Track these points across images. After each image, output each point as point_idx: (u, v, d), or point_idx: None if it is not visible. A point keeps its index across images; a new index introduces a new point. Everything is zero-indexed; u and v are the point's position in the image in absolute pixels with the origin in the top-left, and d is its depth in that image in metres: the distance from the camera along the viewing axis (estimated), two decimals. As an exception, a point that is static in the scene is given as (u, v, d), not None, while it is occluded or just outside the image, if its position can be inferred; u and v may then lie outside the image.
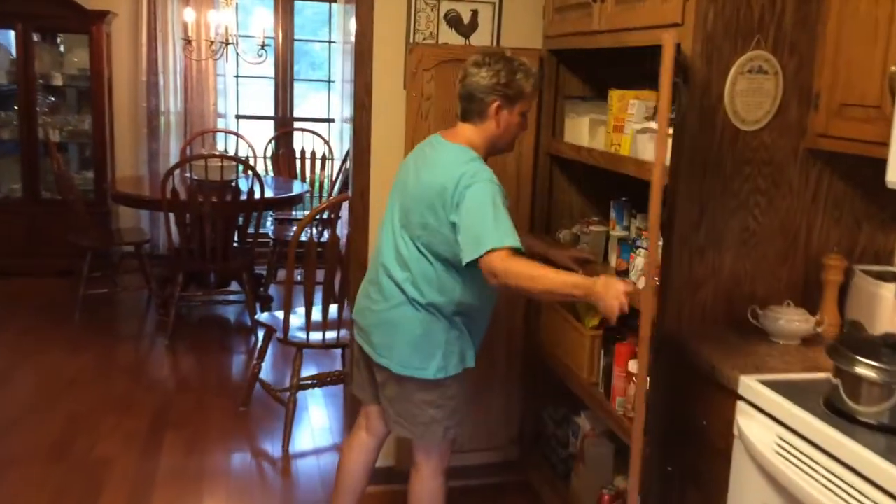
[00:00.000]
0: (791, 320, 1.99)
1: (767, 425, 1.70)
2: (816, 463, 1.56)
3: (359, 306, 2.39)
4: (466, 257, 2.04)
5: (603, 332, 2.57)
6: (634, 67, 2.73)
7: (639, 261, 2.37)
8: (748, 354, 1.94)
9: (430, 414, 2.25)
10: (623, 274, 2.43)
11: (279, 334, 3.43)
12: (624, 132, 2.41)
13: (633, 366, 2.35)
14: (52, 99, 5.88)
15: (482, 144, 2.21)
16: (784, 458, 1.64)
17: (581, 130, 2.73)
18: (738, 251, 2.08)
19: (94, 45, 5.51)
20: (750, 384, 1.77)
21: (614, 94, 2.45)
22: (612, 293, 1.85)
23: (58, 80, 5.75)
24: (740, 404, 1.79)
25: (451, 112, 2.71)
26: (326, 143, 6.11)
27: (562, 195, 3.01)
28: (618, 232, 2.68)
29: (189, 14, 5.38)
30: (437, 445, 2.33)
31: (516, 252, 1.99)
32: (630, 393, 2.35)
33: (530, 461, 3.09)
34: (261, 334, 4.06)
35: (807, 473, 1.57)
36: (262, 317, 3.71)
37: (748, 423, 1.75)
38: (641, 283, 2.21)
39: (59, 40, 5.91)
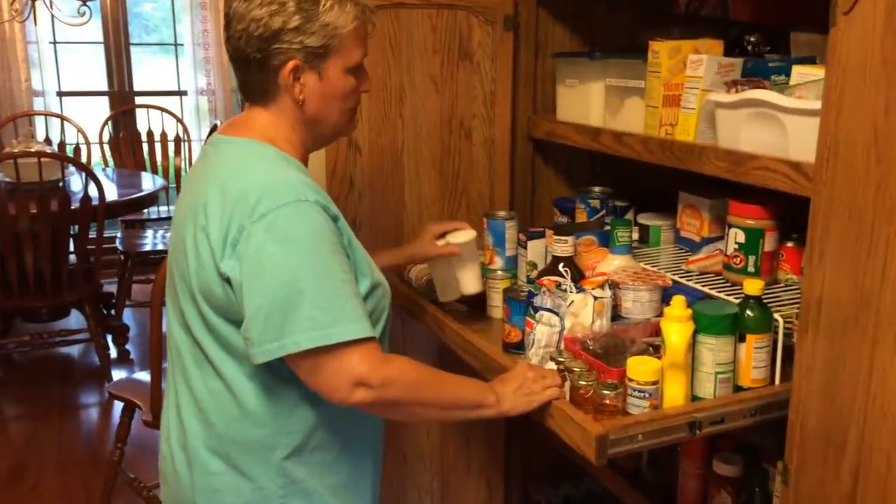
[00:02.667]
0: None
1: None
2: None
3: (160, 467, 1.37)
4: (264, 355, 1.11)
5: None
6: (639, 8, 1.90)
7: (541, 331, 1.42)
8: None
9: None
10: (516, 348, 1.51)
11: (144, 414, 2.37)
12: (683, 106, 1.55)
13: (720, 467, 1.56)
14: None
15: (292, 135, 1.25)
16: None
17: (589, 104, 1.84)
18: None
19: None
20: None
21: (661, 48, 1.57)
22: (526, 400, 1.27)
23: None
24: None
25: (404, 89, 1.79)
26: (179, 121, 4.92)
27: (546, 194, 2.14)
28: (497, 268, 1.75)
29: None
30: None
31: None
32: (718, 505, 1.55)
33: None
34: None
35: None
36: (118, 385, 2.61)
37: None
38: (551, 376, 1.31)
39: None
